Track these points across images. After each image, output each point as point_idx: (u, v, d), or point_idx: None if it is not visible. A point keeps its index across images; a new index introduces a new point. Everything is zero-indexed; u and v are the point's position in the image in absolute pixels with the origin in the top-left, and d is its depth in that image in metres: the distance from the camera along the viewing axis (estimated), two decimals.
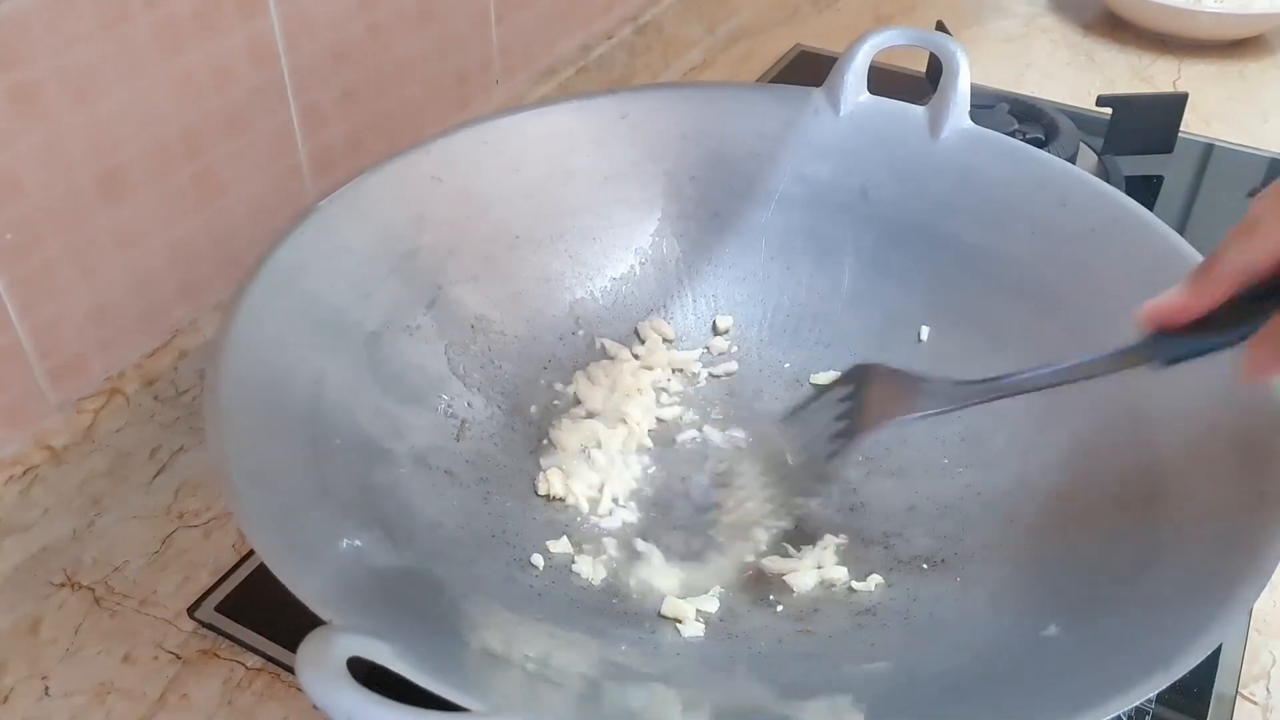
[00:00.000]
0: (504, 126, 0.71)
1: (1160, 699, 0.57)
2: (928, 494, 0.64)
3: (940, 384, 0.57)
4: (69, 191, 0.60)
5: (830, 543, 0.61)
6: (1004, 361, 0.66)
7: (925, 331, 0.70)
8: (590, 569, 0.59)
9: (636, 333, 0.72)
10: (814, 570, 0.59)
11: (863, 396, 0.59)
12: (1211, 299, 0.48)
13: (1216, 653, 0.58)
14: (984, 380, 0.55)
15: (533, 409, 0.68)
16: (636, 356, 0.71)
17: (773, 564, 0.60)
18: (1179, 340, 0.50)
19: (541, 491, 0.64)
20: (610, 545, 0.61)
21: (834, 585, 0.59)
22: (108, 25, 0.59)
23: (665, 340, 0.72)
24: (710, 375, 0.71)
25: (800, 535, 0.62)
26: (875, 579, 0.59)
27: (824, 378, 0.71)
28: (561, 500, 0.63)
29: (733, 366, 0.72)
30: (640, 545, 0.61)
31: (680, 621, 0.57)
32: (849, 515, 0.64)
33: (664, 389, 0.71)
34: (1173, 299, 0.49)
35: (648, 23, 1.05)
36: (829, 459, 0.58)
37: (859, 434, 0.57)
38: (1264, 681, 0.59)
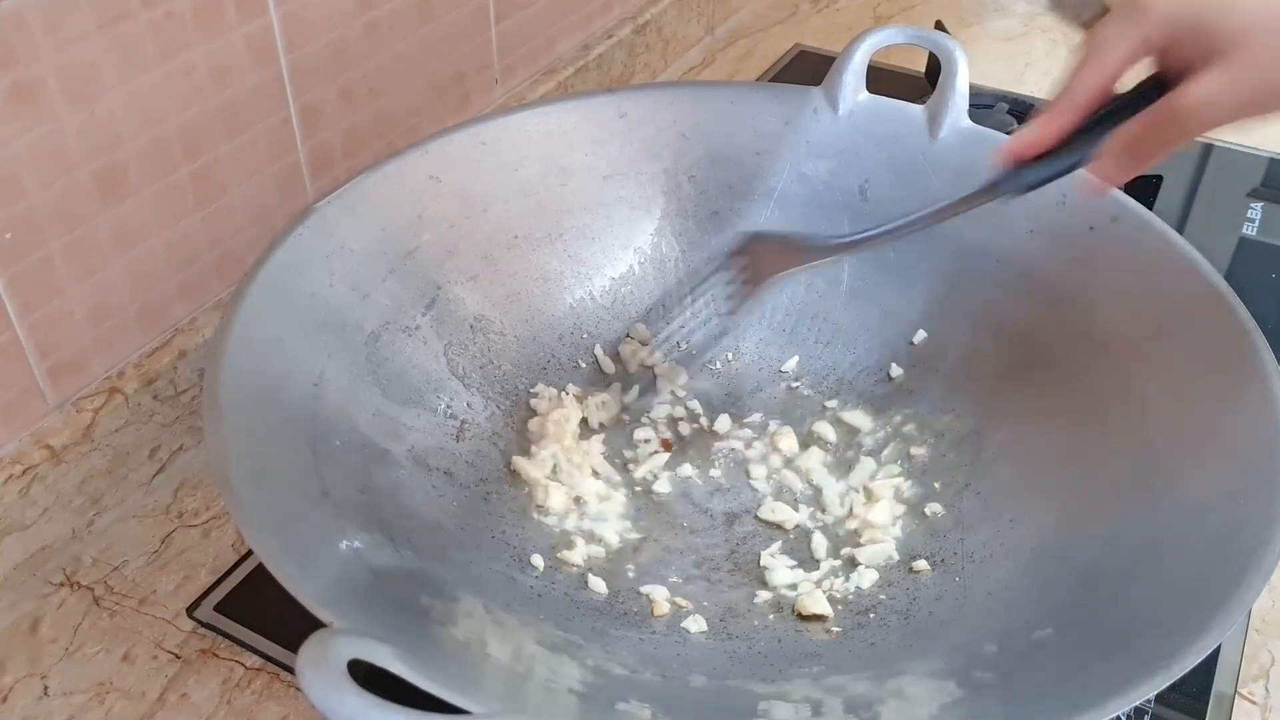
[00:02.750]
0: (503, 126, 0.71)
1: (1160, 698, 0.57)
2: (928, 493, 0.64)
3: (821, 239, 0.65)
4: (68, 190, 0.60)
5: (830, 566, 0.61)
6: (1001, 360, 0.67)
7: (920, 335, 0.70)
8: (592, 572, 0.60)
9: (618, 355, 0.72)
10: (821, 594, 0.59)
11: (754, 259, 0.66)
12: (1065, 126, 0.54)
13: (1216, 652, 0.58)
14: (859, 232, 0.63)
15: (532, 406, 0.68)
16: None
17: (781, 585, 0.60)
18: (1030, 169, 0.55)
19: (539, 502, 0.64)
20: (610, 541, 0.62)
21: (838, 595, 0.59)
22: (107, 24, 0.59)
23: (641, 343, 0.72)
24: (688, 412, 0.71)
25: (805, 551, 0.62)
26: (872, 575, 0.59)
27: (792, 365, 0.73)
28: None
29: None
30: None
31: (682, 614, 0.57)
32: (849, 515, 0.64)
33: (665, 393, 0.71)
34: (1029, 133, 0.55)
35: (647, 22, 1.05)
36: (728, 315, 0.67)
37: (753, 291, 0.65)
38: (1263, 681, 0.59)
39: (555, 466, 0.65)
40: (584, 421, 0.68)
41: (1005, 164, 0.55)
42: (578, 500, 0.64)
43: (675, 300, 0.73)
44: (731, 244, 0.68)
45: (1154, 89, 0.52)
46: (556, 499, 0.63)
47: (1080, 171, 0.54)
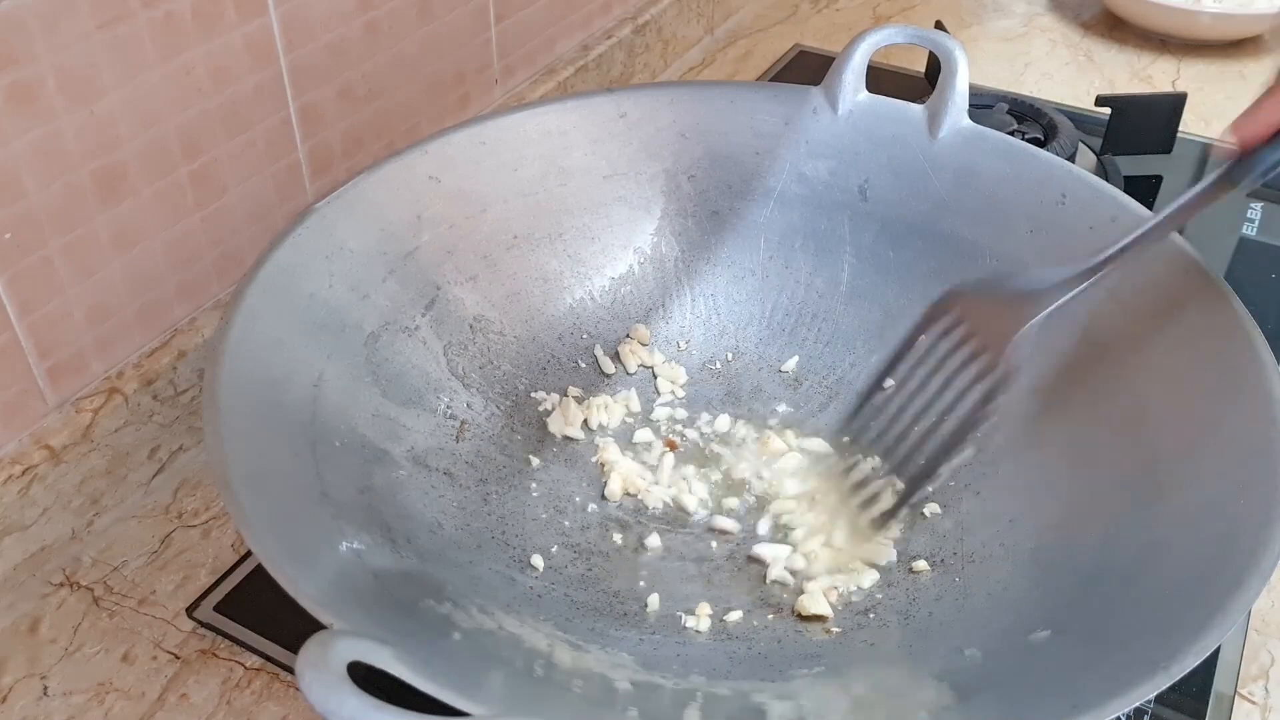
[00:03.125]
0: (502, 126, 0.71)
1: (1159, 699, 0.57)
2: (928, 493, 0.64)
3: (1041, 278, 0.56)
4: (68, 190, 0.60)
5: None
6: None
7: (952, 318, 0.70)
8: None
9: (617, 355, 0.72)
10: (820, 594, 0.59)
11: (973, 323, 0.58)
12: None
13: (1215, 652, 0.58)
14: (1092, 260, 0.56)
15: (538, 407, 0.68)
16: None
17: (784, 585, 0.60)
18: (1268, 150, 0.49)
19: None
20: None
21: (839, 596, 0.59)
22: (106, 24, 0.59)
23: (641, 343, 0.72)
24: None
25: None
26: (872, 576, 0.59)
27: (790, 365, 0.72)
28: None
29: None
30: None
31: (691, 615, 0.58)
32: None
33: (662, 392, 0.71)
34: (1261, 112, 0.48)
35: (647, 22, 1.05)
36: (987, 405, 0.57)
37: (1004, 364, 0.56)
38: (1263, 681, 0.59)
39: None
40: (584, 423, 0.68)
41: (1238, 149, 0.50)
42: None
43: (675, 300, 0.73)
44: (929, 311, 0.62)
45: None
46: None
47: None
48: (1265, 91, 0.49)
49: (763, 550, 0.61)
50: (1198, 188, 0.53)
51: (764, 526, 0.63)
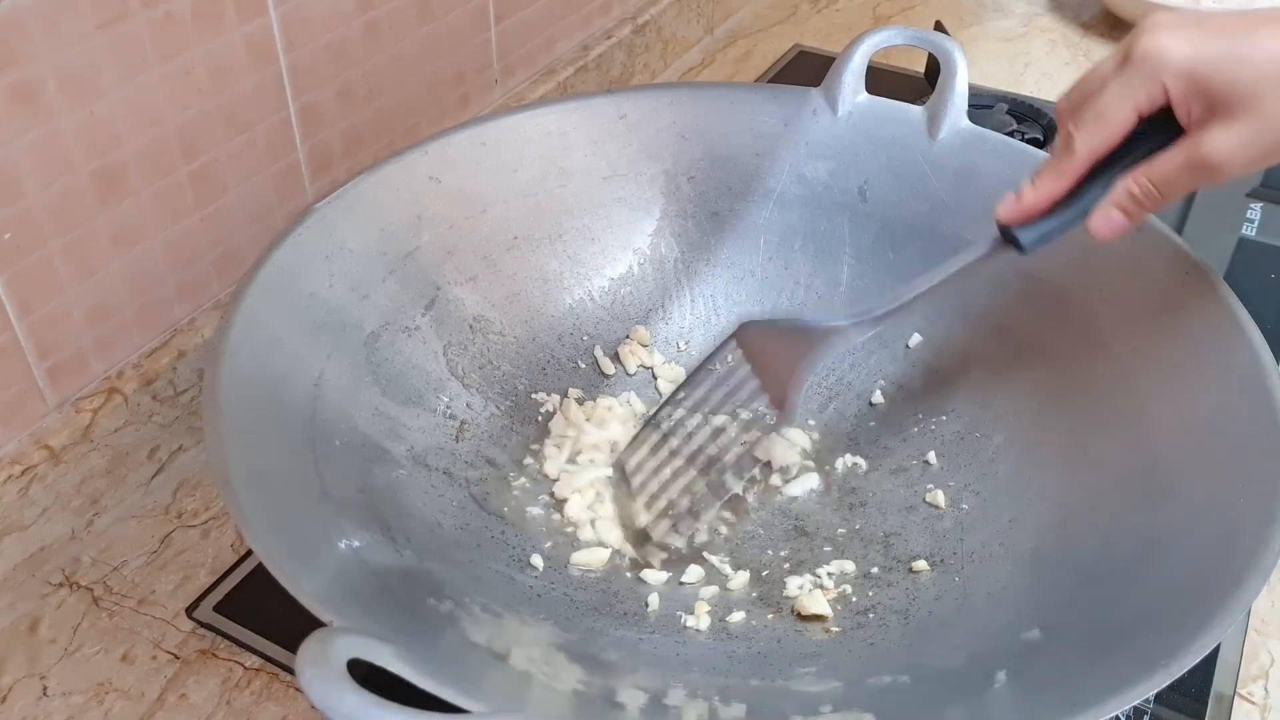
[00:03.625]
0: (502, 127, 0.71)
1: (1159, 698, 0.57)
2: (928, 493, 0.64)
3: (818, 322, 0.60)
4: (67, 190, 0.60)
5: (838, 567, 0.61)
6: (1001, 361, 0.67)
7: (915, 339, 0.70)
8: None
9: (617, 356, 0.72)
10: (820, 594, 0.59)
11: (760, 362, 0.61)
12: (1063, 188, 0.53)
13: (1215, 652, 0.58)
14: (860, 312, 0.60)
15: (538, 408, 0.68)
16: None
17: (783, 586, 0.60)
18: (1030, 228, 0.54)
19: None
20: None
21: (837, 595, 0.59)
22: (106, 24, 0.59)
23: (641, 344, 0.72)
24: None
25: (806, 551, 0.62)
26: (873, 573, 0.59)
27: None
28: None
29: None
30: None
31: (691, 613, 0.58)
32: (848, 514, 0.64)
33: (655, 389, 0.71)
34: (1027, 196, 0.54)
35: (646, 22, 1.05)
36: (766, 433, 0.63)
37: (785, 406, 0.59)
38: (1262, 681, 0.59)
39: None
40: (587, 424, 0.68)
41: (1010, 222, 0.54)
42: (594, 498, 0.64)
43: (675, 301, 0.74)
44: (723, 342, 0.64)
45: (1155, 129, 0.51)
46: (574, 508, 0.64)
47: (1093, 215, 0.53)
48: (1037, 172, 0.54)
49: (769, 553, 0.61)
50: (973, 255, 0.57)
51: (764, 528, 0.63)
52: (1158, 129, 0.51)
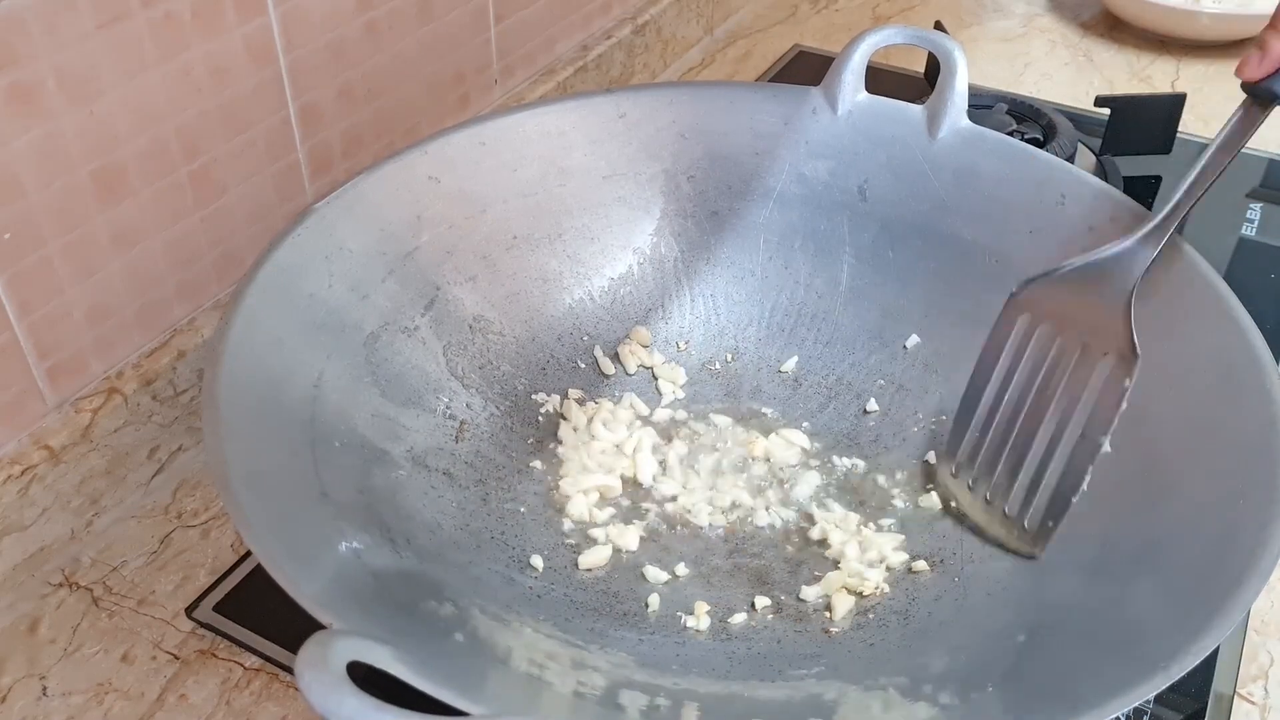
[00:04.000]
0: (502, 126, 0.71)
1: (1158, 698, 0.57)
2: (928, 492, 0.64)
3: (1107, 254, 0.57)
4: (67, 190, 0.60)
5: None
6: None
7: (913, 340, 0.70)
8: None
9: (617, 356, 0.72)
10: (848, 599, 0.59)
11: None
12: None
13: (1214, 653, 0.58)
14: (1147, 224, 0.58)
15: (538, 408, 0.68)
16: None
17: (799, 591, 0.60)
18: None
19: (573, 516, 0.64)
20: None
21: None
22: (106, 24, 0.59)
23: (641, 345, 0.72)
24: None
25: (806, 551, 0.62)
26: (876, 574, 0.59)
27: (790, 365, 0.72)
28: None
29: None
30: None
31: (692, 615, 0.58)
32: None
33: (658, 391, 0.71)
34: (1266, 54, 0.52)
35: (646, 22, 1.05)
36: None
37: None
38: (1262, 681, 0.59)
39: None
40: (589, 424, 0.68)
41: (1253, 84, 0.53)
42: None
43: (675, 301, 0.74)
44: (1002, 320, 0.62)
45: None
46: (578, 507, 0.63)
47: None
48: (1264, 31, 0.53)
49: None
50: (1227, 128, 0.56)
51: (763, 528, 0.63)
52: None
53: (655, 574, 0.60)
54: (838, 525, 0.62)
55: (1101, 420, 0.56)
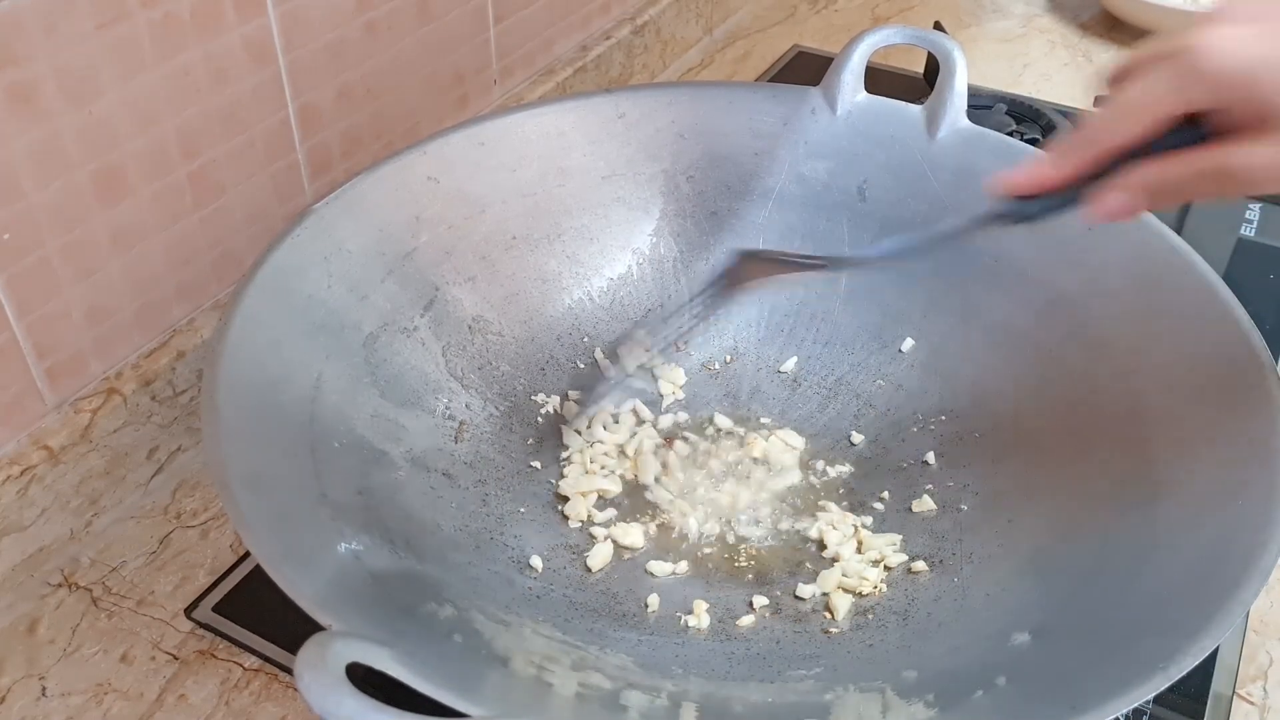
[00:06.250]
0: (501, 127, 0.71)
1: (1158, 699, 0.57)
2: (927, 493, 0.64)
3: (804, 257, 0.63)
4: (66, 191, 0.60)
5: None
6: (1000, 360, 0.67)
7: (908, 343, 0.70)
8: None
9: (617, 356, 0.72)
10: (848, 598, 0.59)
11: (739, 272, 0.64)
12: (1073, 172, 0.50)
13: (1214, 653, 0.58)
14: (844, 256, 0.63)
15: (537, 409, 0.68)
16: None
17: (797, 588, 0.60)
18: (1030, 202, 0.52)
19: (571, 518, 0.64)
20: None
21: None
22: (105, 25, 0.59)
23: (641, 346, 0.72)
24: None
25: (814, 555, 0.62)
26: (875, 574, 0.59)
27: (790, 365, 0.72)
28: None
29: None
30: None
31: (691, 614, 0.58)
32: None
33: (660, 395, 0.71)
34: (1035, 172, 0.51)
35: (646, 23, 1.05)
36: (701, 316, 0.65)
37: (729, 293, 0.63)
38: (1261, 682, 0.59)
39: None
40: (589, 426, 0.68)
41: (1005, 194, 0.52)
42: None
43: (674, 301, 0.73)
44: (723, 261, 0.66)
45: (1178, 131, 0.47)
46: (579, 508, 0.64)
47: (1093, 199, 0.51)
48: (1049, 146, 0.52)
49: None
50: (960, 222, 0.55)
51: (763, 528, 0.63)
52: (1185, 125, 0.47)
53: (660, 567, 0.60)
54: (836, 525, 0.62)
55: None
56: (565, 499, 0.64)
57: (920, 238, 0.58)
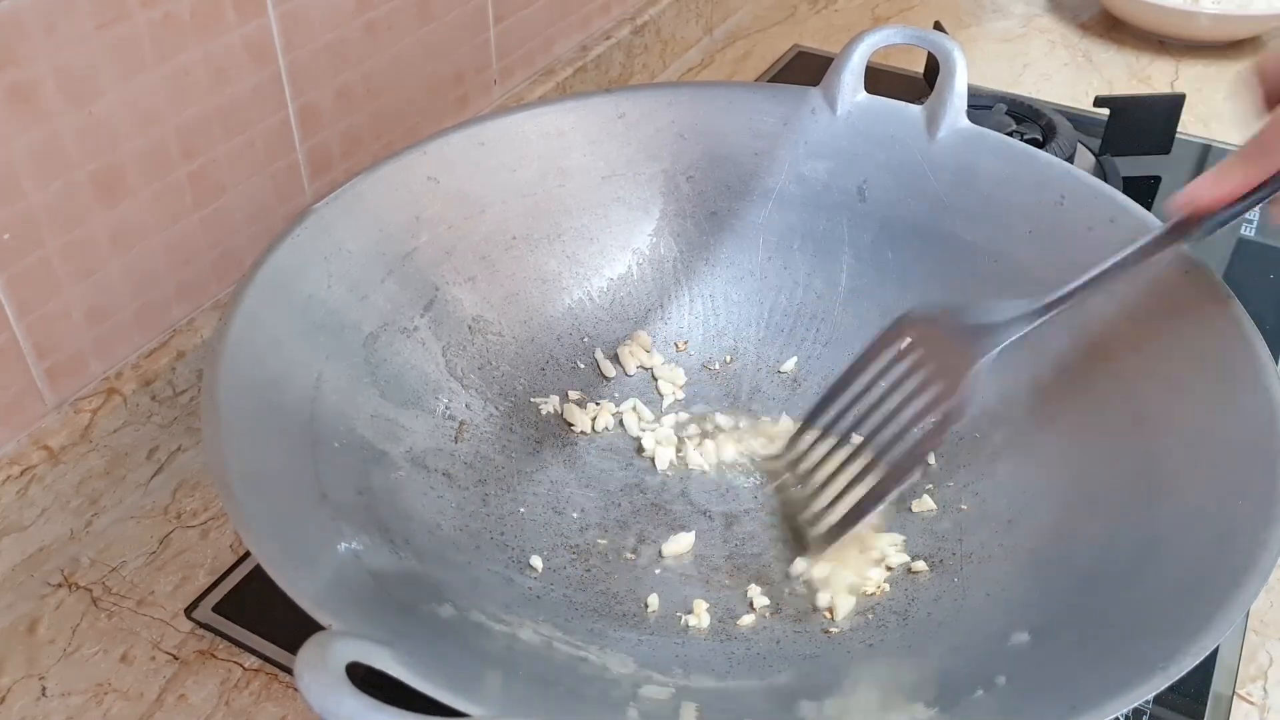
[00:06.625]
0: (501, 127, 0.70)
1: (1158, 699, 0.57)
2: (926, 493, 0.64)
3: (995, 310, 0.58)
4: (66, 191, 0.60)
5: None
6: (999, 361, 0.66)
7: (907, 343, 0.70)
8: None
9: (617, 357, 0.72)
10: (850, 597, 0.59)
11: (927, 351, 0.59)
12: (1254, 180, 0.49)
13: (1214, 653, 0.58)
14: (1039, 301, 0.57)
15: (538, 409, 0.68)
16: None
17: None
18: (1213, 217, 0.52)
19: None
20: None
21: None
22: (105, 25, 0.59)
23: (641, 346, 0.72)
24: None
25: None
26: (877, 573, 0.59)
27: (789, 366, 0.72)
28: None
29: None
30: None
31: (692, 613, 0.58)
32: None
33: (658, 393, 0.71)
34: (1211, 184, 0.50)
35: (646, 23, 1.05)
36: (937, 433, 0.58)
37: (957, 396, 0.56)
38: (1261, 682, 0.59)
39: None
40: (592, 425, 0.68)
41: (1188, 212, 0.52)
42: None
43: (674, 301, 0.74)
44: (883, 334, 0.63)
45: None
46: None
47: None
48: (1228, 164, 0.51)
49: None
50: (1143, 241, 0.56)
51: (764, 528, 0.63)
52: None
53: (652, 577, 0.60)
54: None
55: (912, 454, 0.58)
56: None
57: (1103, 268, 0.57)
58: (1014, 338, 0.58)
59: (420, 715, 0.36)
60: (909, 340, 0.61)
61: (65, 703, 0.57)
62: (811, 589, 0.59)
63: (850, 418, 0.63)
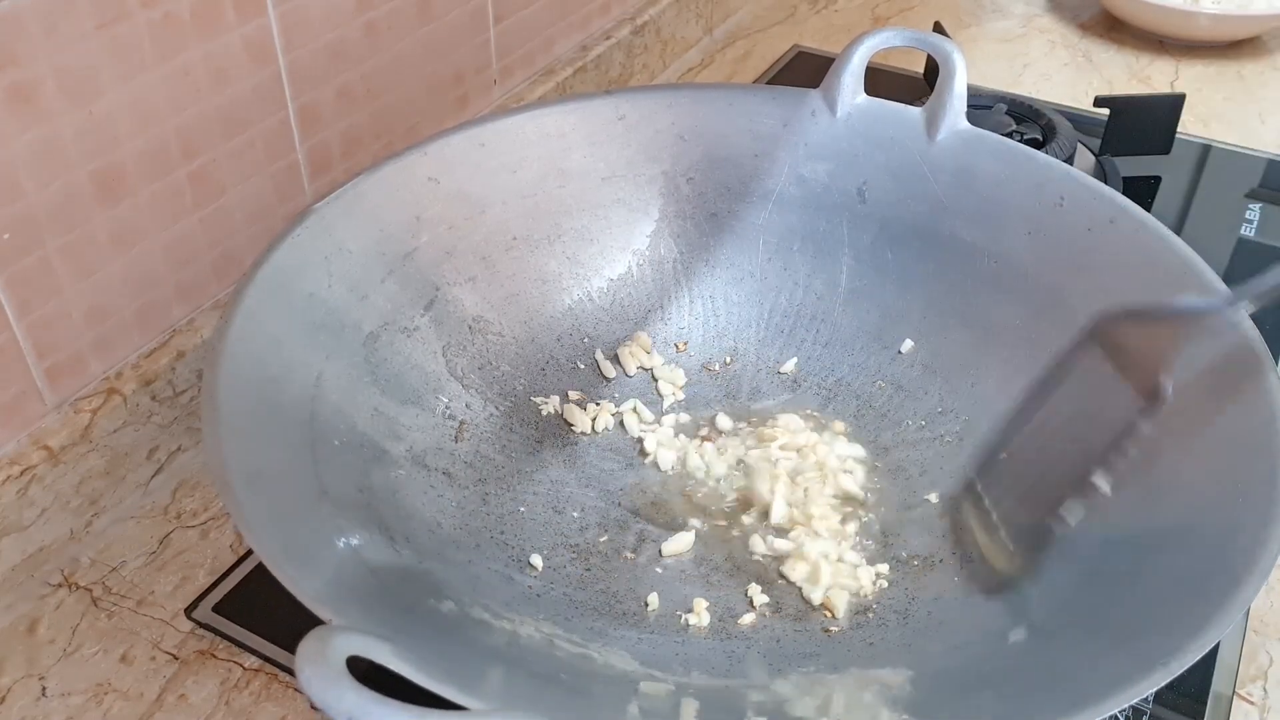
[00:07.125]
0: (501, 128, 0.71)
1: (1158, 699, 0.57)
2: (927, 493, 0.64)
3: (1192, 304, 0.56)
4: (66, 191, 0.60)
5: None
6: (999, 361, 0.67)
7: (907, 344, 0.70)
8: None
9: (617, 357, 0.72)
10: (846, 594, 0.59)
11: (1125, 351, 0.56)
12: None
13: (1214, 652, 0.58)
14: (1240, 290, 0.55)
15: (538, 409, 0.68)
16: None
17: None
18: None
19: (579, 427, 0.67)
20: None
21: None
22: (105, 25, 0.59)
23: (641, 347, 0.72)
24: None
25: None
26: (877, 570, 0.59)
27: (789, 365, 0.72)
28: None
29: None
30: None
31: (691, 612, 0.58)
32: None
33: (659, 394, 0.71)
34: None
35: (645, 23, 1.05)
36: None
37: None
38: (1261, 681, 0.59)
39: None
40: (592, 425, 0.68)
41: None
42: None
43: (674, 302, 0.74)
44: (1083, 336, 0.60)
45: None
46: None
47: None
48: None
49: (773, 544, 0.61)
50: None
51: (763, 528, 0.63)
52: None
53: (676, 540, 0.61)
54: (836, 526, 0.62)
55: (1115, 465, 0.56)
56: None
57: None
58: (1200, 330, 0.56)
59: (420, 709, 0.36)
60: (1101, 353, 0.59)
61: (65, 703, 0.57)
62: (781, 557, 0.60)
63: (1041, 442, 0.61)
